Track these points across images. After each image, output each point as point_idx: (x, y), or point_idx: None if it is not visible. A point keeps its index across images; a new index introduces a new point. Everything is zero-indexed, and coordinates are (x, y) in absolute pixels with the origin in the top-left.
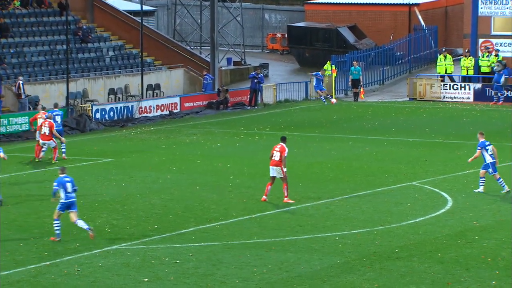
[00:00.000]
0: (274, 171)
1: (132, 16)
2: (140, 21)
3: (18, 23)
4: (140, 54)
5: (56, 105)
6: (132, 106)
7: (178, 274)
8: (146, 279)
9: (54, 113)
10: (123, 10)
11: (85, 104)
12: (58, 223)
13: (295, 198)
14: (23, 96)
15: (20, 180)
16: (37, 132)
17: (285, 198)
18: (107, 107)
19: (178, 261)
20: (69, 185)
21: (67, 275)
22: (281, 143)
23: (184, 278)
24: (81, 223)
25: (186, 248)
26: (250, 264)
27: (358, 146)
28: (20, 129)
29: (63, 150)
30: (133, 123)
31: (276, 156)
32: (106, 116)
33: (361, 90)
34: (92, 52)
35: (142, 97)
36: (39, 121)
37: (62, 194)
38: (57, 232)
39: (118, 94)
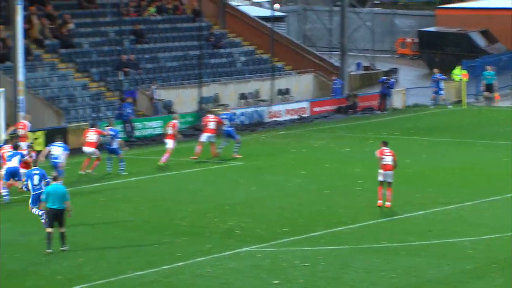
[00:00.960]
0: (387, 176)
1: (263, 22)
2: (271, 26)
3: (153, 29)
4: (270, 59)
5: (224, 107)
6: (262, 110)
7: (308, 277)
8: (276, 281)
9: (223, 116)
10: (254, 16)
11: (216, 108)
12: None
13: (424, 202)
14: (154, 100)
15: (154, 181)
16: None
17: (387, 203)
18: (238, 112)
19: (307, 264)
20: (36, 178)
21: (199, 276)
22: (387, 148)
23: (313, 281)
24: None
25: (315, 251)
26: (378, 268)
27: (489, 151)
28: (154, 133)
29: (236, 149)
30: (263, 127)
31: (389, 160)
32: (237, 120)
33: (496, 94)
34: (223, 58)
35: (272, 102)
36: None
37: (30, 187)
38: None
39: (248, 98)
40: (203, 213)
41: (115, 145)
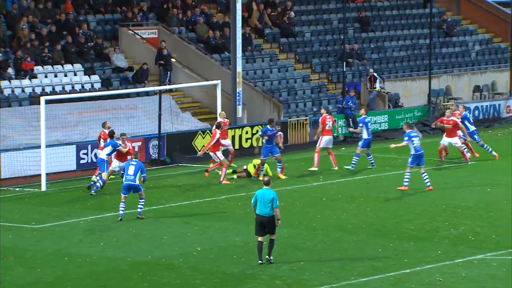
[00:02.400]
0: None
1: (501, 8)
2: (510, 12)
3: (379, 17)
4: (509, 48)
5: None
6: (499, 104)
7: None
8: None
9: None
10: (492, 0)
11: (447, 102)
12: (123, 205)
13: None
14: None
15: (376, 180)
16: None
17: None
18: (472, 106)
19: None
20: (131, 168)
21: (428, 285)
22: None
23: None
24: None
25: None
26: None
27: None
28: (378, 129)
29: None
30: (499, 123)
31: None
32: (471, 115)
33: None
34: (456, 47)
35: (511, 95)
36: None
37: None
38: (121, 213)
39: (483, 91)
40: (431, 216)
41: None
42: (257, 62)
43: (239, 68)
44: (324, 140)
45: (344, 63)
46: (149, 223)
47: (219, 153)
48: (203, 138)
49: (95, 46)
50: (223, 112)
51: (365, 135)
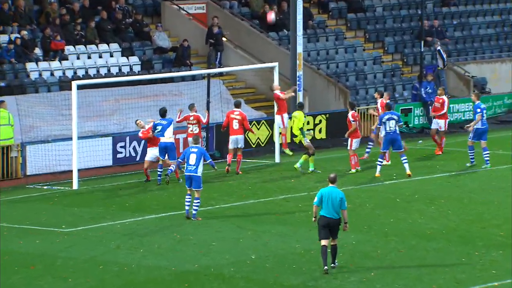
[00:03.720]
0: None
1: None
2: None
3: None
4: None
5: None
6: None
7: None
8: None
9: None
10: None
11: None
12: (188, 199)
13: None
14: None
15: (459, 179)
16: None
17: None
18: None
19: None
20: (192, 157)
21: None
22: None
23: None
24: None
25: None
26: None
27: None
28: (462, 118)
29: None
30: None
31: None
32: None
33: None
34: None
35: None
36: None
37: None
38: (186, 208)
39: None
40: None
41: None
42: (320, 41)
43: (299, 48)
44: (356, 142)
45: (422, 42)
46: (195, 227)
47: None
48: (258, 129)
49: (134, 23)
50: (276, 84)
51: (478, 124)
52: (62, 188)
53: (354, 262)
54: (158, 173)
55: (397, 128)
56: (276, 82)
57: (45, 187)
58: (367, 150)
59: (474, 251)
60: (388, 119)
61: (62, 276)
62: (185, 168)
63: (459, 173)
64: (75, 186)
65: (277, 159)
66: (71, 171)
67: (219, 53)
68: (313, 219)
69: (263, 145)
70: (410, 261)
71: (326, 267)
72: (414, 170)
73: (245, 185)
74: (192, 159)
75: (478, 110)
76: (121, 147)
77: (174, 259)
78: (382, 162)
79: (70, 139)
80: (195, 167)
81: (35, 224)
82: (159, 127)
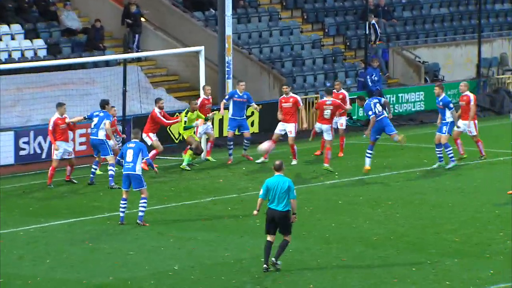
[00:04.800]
0: None
1: None
2: None
3: None
4: None
5: None
6: None
7: None
8: None
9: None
10: None
11: (503, 75)
12: (123, 203)
13: None
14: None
15: (410, 177)
16: None
17: None
18: None
19: None
20: (129, 153)
21: None
22: None
23: None
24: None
25: None
26: None
27: None
28: (412, 109)
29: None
30: None
31: None
32: None
33: None
34: None
35: None
36: None
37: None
38: (121, 215)
39: None
40: (482, 224)
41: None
42: (252, 22)
43: (228, 30)
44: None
45: (367, 23)
46: (110, 234)
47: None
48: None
49: (39, 1)
50: (207, 86)
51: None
52: None
53: (292, 273)
54: (92, 170)
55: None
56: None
57: None
58: None
59: (426, 260)
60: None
61: None
62: (123, 167)
63: (408, 172)
64: None
65: (202, 155)
66: None
67: (137, 36)
68: (255, 212)
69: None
70: (354, 271)
71: (265, 266)
72: (358, 168)
73: (167, 186)
74: (129, 155)
75: (451, 105)
76: (24, 143)
77: (86, 271)
78: (371, 153)
79: None
80: (132, 164)
81: None
82: (96, 119)
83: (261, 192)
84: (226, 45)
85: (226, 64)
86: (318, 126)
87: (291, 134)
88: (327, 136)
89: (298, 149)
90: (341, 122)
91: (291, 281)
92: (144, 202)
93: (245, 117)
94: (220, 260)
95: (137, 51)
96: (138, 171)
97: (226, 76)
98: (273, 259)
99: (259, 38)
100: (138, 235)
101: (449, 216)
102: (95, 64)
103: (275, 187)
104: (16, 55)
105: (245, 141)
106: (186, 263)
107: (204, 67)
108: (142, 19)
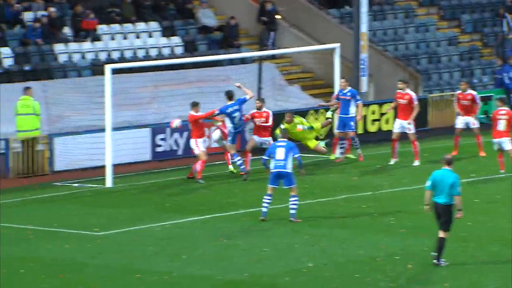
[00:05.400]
0: None
1: None
2: None
3: None
4: None
5: None
6: None
7: None
8: None
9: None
10: None
11: None
12: (267, 199)
13: None
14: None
15: None
16: None
17: None
18: None
19: None
20: (280, 151)
21: None
22: None
23: None
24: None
25: None
26: None
27: None
28: None
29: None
30: None
31: None
32: None
33: None
34: None
35: None
36: None
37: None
38: (264, 210)
39: None
40: None
41: None
42: (388, 20)
43: (364, 28)
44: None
45: (504, 20)
46: (245, 231)
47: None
48: (317, 118)
49: None
50: (342, 79)
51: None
52: (94, 186)
53: (426, 271)
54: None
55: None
56: (336, 76)
57: (75, 185)
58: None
59: None
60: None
61: (93, 286)
62: (273, 165)
63: None
64: (108, 183)
65: (336, 153)
66: (104, 166)
67: (272, 33)
68: (426, 206)
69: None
70: (490, 270)
71: (436, 261)
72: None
73: (301, 183)
74: (280, 153)
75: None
76: (161, 139)
77: (221, 267)
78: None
79: (103, 130)
80: (284, 162)
81: (64, 227)
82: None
83: (427, 183)
84: (361, 42)
85: (361, 62)
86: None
87: (410, 131)
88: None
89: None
90: (473, 121)
91: (426, 279)
92: (295, 200)
93: (351, 115)
94: (353, 258)
95: (272, 49)
96: (290, 169)
97: (361, 73)
98: (434, 260)
99: (395, 35)
100: (273, 232)
101: None
102: (231, 62)
103: (440, 180)
104: (153, 52)
105: (353, 142)
106: (319, 261)
107: (339, 65)
108: (278, 16)
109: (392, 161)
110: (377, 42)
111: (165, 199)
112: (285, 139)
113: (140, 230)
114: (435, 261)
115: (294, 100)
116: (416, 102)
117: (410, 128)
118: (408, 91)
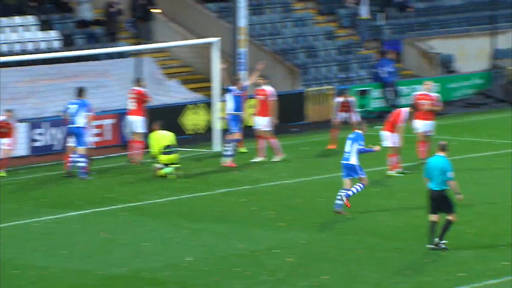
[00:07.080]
0: None
1: None
2: None
3: None
4: None
5: None
6: None
7: None
8: None
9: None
10: None
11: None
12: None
13: None
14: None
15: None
16: None
17: None
18: None
19: None
20: (348, 143)
21: None
22: None
23: None
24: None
25: None
26: None
27: None
28: None
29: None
30: None
31: None
32: None
33: None
34: None
35: None
36: None
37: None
38: (338, 202)
39: None
40: (497, 216)
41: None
42: (265, 14)
43: (242, 22)
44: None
45: (381, 14)
46: (124, 225)
47: None
48: (194, 114)
49: None
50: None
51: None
52: None
53: (307, 265)
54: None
55: None
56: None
57: None
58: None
59: (440, 251)
60: None
61: None
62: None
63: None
64: None
65: (216, 147)
66: None
67: (148, 27)
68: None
69: (202, 132)
70: (368, 263)
71: (430, 245)
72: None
73: (181, 177)
74: (347, 145)
75: None
76: (38, 134)
77: (100, 262)
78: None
79: None
80: (349, 154)
81: None
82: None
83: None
84: (240, 37)
85: (240, 56)
86: None
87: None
88: None
89: None
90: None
91: (305, 272)
92: (359, 186)
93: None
94: (233, 252)
95: (149, 43)
96: (352, 161)
97: (240, 68)
98: (437, 239)
99: (272, 30)
100: (153, 227)
101: (464, 209)
102: (109, 56)
103: (431, 167)
104: (30, 46)
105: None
106: (200, 255)
107: (218, 59)
108: (155, 10)
109: (258, 159)
110: (255, 37)
111: (43, 194)
112: (359, 131)
113: (18, 225)
114: (433, 244)
115: (173, 94)
116: (273, 98)
117: (266, 126)
118: (266, 87)
